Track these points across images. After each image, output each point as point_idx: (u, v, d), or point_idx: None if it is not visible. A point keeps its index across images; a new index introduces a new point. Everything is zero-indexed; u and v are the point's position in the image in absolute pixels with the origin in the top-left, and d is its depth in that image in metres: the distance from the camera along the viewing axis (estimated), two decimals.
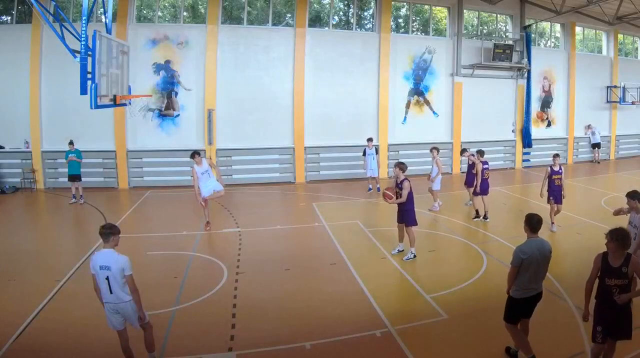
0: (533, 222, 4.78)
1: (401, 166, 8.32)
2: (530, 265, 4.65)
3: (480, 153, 11.27)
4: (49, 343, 5.37)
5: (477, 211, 11.06)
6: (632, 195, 6.37)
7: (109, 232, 4.68)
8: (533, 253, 4.65)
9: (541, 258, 4.71)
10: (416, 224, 8.35)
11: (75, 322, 5.83)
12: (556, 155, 10.22)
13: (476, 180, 11.02)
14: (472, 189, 11.47)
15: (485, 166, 11.08)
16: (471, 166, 11.62)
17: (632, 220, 6.23)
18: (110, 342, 4.99)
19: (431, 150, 12.08)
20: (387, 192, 8.40)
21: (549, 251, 4.77)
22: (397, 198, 8.28)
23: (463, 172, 17.77)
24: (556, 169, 9.86)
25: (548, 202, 9.87)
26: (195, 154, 9.85)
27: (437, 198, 11.95)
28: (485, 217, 10.81)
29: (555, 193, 9.84)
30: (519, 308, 4.85)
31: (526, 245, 4.71)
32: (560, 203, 9.89)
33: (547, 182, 9.92)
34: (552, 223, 9.86)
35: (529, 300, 4.82)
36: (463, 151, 12.57)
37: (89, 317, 5.81)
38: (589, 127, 20.44)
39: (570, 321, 5.80)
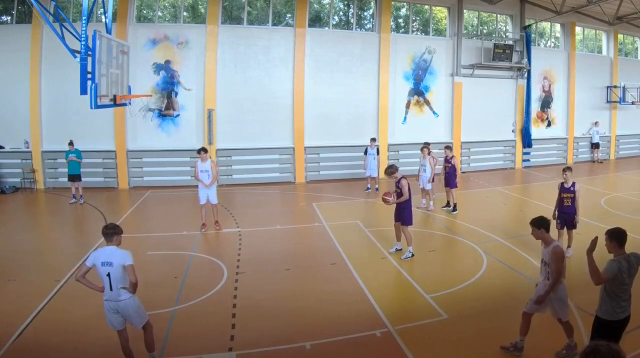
0: (621, 237, 4.25)
1: (392, 169, 8.41)
2: (625, 283, 4.22)
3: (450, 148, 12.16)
4: (49, 343, 5.37)
5: (448, 202, 11.75)
6: (536, 223, 5.06)
7: (112, 232, 4.71)
8: (624, 270, 4.19)
9: (634, 274, 4.27)
10: (411, 224, 8.41)
11: (75, 322, 5.84)
12: (566, 169, 8.02)
13: (451, 174, 11.53)
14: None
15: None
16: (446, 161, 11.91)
17: (543, 255, 5.06)
18: (110, 341, 5.00)
19: (422, 149, 12.09)
20: (385, 197, 8.49)
21: (638, 266, 4.31)
22: (397, 198, 8.34)
23: (464, 172, 17.84)
24: (567, 185, 7.90)
25: (557, 227, 7.97)
26: (202, 150, 9.95)
27: (431, 197, 12.07)
28: (453, 209, 11.55)
29: (563, 217, 7.93)
30: (612, 332, 4.24)
31: (622, 259, 4.21)
32: (571, 228, 7.93)
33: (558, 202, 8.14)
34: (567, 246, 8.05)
35: (622, 323, 4.29)
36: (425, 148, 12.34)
37: (89, 317, 5.81)
38: (596, 123, 20.44)
39: (570, 321, 5.79)
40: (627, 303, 4.29)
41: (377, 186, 14.36)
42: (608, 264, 4.24)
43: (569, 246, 8.02)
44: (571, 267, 7.64)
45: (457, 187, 11.73)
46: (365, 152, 14.30)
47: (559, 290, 4.99)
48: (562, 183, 7.99)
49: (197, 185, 10.01)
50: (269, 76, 15.89)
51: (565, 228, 8.03)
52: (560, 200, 7.98)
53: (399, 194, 8.31)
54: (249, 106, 15.72)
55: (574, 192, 7.82)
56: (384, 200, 8.51)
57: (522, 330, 5.13)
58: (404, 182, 8.26)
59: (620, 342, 4.35)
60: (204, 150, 9.98)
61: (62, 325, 5.79)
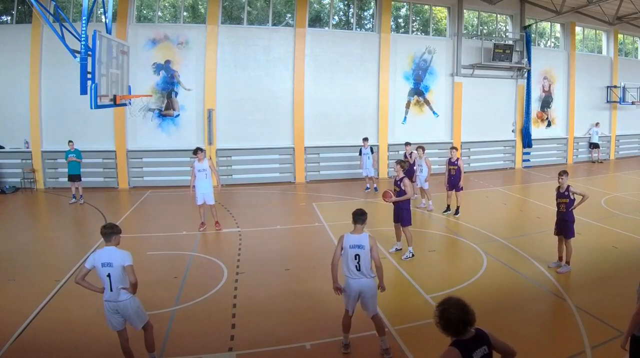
0: None
1: (402, 164, 8.39)
2: None
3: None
4: (49, 343, 5.37)
5: (448, 205, 11.55)
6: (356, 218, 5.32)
7: (110, 232, 4.69)
8: None
9: None
10: (410, 224, 8.40)
11: (75, 322, 5.84)
12: (561, 173, 7.48)
13: (457, 176, 11.22)
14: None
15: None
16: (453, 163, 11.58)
17: None
18: (110, 341, 4.99)
19: (417, 149, 12.08)
20: (388, 191, 8.45)
21: None
22: (395, 196, 8.32)
23: (464, 172, 17.77)
24: (562, 190, 7.46)
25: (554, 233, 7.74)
26: (198, 150, 9.93)
27: (430, 197, 12.03)
28: (456, 212, 11.32)
29: (559, 224, 7.57)
30: None
31: None
32: (568, 237, 7.40)
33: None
34: (559, 258, 7.66)
35: None
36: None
37: (89, 317, 5.82)
38: (597, 124, 20.47)
39: (570, 321, 5.80)
40: None
41: (375, 186, 14.36)
42: None
43: (567, 261, 7.47)
44: (572, 267, 7.67)
45: (462, 189, 11.40)
46: (360, 153, 14.31)
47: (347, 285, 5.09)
48: (558, 187, 7.54)
49: (194, 186, 9.97)
50: (269, 76, 15.89)
51: (562, 237, 7.51)
52: (557, 205, 7.59)
53: (399, 193, 8.30)
54: (249, 106, 15.73)
55: (568, 197, 7.37)
56: (385, 194, 8.42)
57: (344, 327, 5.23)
58: (406, 181, 8.23)
59: None
60: (200, 150, 9.96)
61: (62, 325, 5.79)
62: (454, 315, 2.92)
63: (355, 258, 5.01)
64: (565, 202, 7.43)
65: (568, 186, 7.45)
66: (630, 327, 3.90)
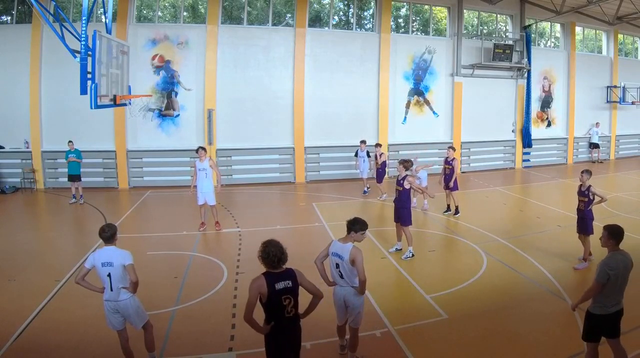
0: (618, 234, 4.37)
1: (405, 164, 8.34)
2: (616, 280, 4.22)
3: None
4: (49, 343, 5.37)
5: (448, 205, 11.51)
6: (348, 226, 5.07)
7: (109, 235, 4.67)
8: (619, 268, 4.23)
9: (625, 272, 4.29)
10: (411, 224, 8.40)
11: (75, 322, 5.84)
12: (583, 172, 7.66)
13: (450, 176, 11.19)
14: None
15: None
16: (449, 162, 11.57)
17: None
18: (110, 341, 5.00)
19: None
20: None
21: (632, 264, 4.36)
22: (397, 195, 8.35)
23: (464, 172, 17.83)
24: (583, 188, 7.69)
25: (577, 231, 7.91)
26: (200, 148, 9.95)
27: (425, 196, 12.00)
28: (455, 212, 11.27)
29: (578, 221, 7.80)
30: (601, 326, 4.35)
31: (612, 260, 4.26)
32: (587, 233, 7.62)
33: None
34: (584, 258, 7.78)
35: (612, 317, 4.31)
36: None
37: (89, 317, 5.82)
38: (597, 124, 20.49)
39: (570, 321, 5.80)
40: (619, 294, 4.32)
41: (368, 186, 14.15)
42: (599, 270, 4.27)
43: (584, 258, 7.71)
44: (567, 267, 7.67)
45: (457, 189, 11.37)
46: (356, 154, 14.24)
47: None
48: (580, 185, 7.76)
49: (196, 186, 9.98)
50: (269, 76, 15.89)
51: (578, 232, 7.79)
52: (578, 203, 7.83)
53: (401, 193, 8.28)
54: (249, 106, 15.73)
55: (587, 196, 7.56)
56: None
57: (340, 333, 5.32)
58: (410, 179, 8.26)
59: (620, 336, 4.40)
60: (202, 149, 9.96)
61: (62, 325, 5.79)
62: (273, 252, 3.78)
63: (337, 267, 4.91)
64: (584, 201, 7.65)
65: (589, 186, 7.61)
66: (583, 297, 4.47)
